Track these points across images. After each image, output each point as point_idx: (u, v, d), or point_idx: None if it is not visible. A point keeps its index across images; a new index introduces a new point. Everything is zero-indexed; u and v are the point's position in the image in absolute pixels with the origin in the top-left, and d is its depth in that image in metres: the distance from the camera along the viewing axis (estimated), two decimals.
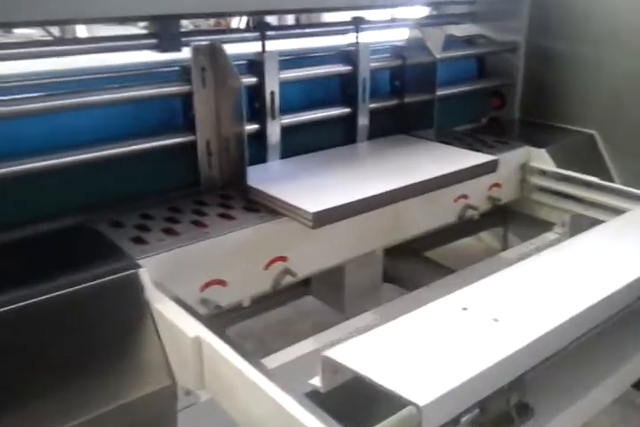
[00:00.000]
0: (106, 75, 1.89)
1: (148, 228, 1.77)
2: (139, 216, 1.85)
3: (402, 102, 2.53)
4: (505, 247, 3.04)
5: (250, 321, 2.43)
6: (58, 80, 1.83)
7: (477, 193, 2.40)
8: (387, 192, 1.89)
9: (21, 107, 1.67)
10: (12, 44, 1.81)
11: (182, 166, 2.02)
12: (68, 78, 1.85)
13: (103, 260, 1.58)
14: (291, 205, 1.78)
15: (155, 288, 1.55)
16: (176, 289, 1.62)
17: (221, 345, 1.32)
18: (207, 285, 1.73)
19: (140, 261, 1.57)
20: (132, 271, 1.53)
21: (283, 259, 1.88)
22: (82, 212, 1.84)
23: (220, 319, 1.88)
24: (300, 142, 2.28)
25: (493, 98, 3.00)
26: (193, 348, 1.37)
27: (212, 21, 7.50)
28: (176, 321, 1.42)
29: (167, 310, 1.47)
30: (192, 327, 1.39)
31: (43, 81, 1.79)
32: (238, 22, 5.83)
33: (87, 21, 2.50)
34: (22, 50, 1.80)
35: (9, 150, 1.71)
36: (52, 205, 1.83)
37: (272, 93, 2.09)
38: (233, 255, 1.77)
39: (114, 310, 1.50)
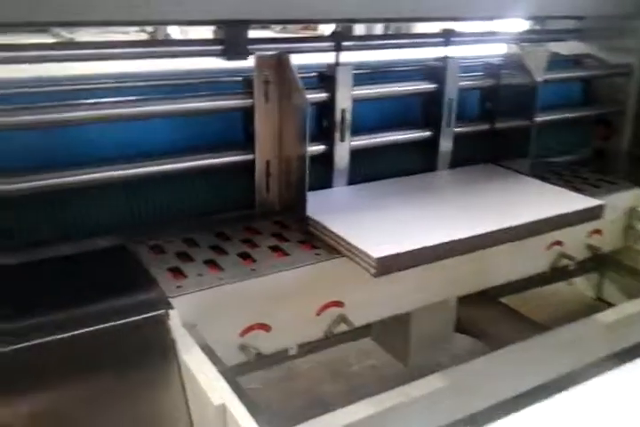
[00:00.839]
0: (162, 82, 1.72)
1: (190, 257, 1.57)
2: (182, 241, 1.66)
3: (492, 128, 2.25)
4: (599, 295, 2.68)
5: (298, 360, 2.21)
6: (111, 85, 1.67)
7: (574, 240, 2.08)
8: (470, 238, 1.61)
9: (64, 115, 1.52)
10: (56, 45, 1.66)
11: (237, 187, 1.82)
12: (123, 84, 1.69)
13: (132, 293, 1.40)
14: (352, 246, 1.54)
15: (185, 333, 1.35)
16: (212, 333, 1.42)
17: (247, 418, 1.10)
18: (248, 329, 1.51)
19: (173, 300, 1.37)
20: (161, 312, 1.33)
21: (338, 304, 1.64)
22: (124, 230, 1.67)
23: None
24: (371, 167, 2.04)
25: (599, 127, 2.65)
26: (217, 416, 1.15)
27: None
28: (202, 381, 1.20)
29: (194, 364, 1.26)
30: (218, 390, 1.17)
31: (89, 86, 1.63)
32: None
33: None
34: (66, 51, 1.65)
35: (49, 160, 1.57)
36: (92, 222, 1.66)
37: (343, 111, 1.86)
38: (281, 297, 1.54)
39: (135, 356, 1.30)
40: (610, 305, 2.56)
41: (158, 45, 1.82)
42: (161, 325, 1.33)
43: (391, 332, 1.98)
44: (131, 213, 1.69)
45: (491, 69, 2.20)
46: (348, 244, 1.55)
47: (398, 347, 2.01)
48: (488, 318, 2.18)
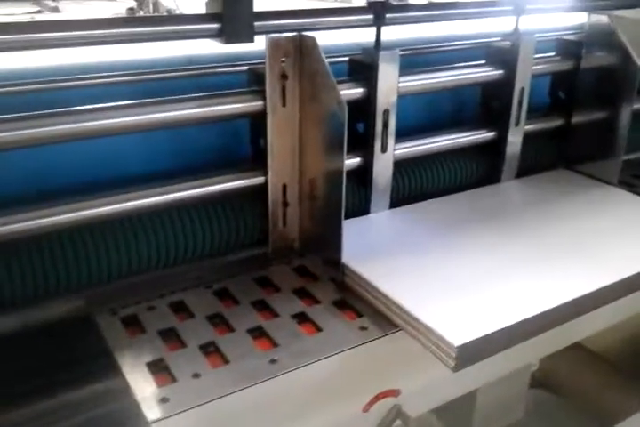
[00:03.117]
0: (131, 77, 1.18)
1: (179, 338, 1.07)
2: (169, 306, 1.16)
3: (566, 123, 1.72)
4: None
5: None
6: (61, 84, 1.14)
7: None
8: (573, 301, 1.11)
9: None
10: None
11: (243, 221, 1.30)
12: (80, 81, 1.16)
13: (91, 418, 0.91)
14: (420, 323, 1.04)
15: None
16: None
17: None
18: None
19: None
20: None
21: (392, 393, 1.15)
22: (85, 292, 1.17)
23: None
24: (417, 181, 1.53)
25: None
26: None
27: None
28: None
29: None
30: None
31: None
32: None
33: None
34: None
35: None
36: (45, 279, 1.14)
37: (386, 113, 1.33)
38: (314, 396, 1.05)
39: None
40: None
41: (128, 25, 1.26)
42: None
43: (451, 403, 1.50)
44: (97, 263, 1.16)
45: (568, 48, 1.66)
46: (414, 319, 1.05)
47: (460, 421, 1.53)
48: (570, 368, 1.71)
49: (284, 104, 1.20)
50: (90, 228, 1.14)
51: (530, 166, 1.70)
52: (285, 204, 1.31)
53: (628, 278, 1.19)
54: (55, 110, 1.04)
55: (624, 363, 1.85)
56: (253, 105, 1.19)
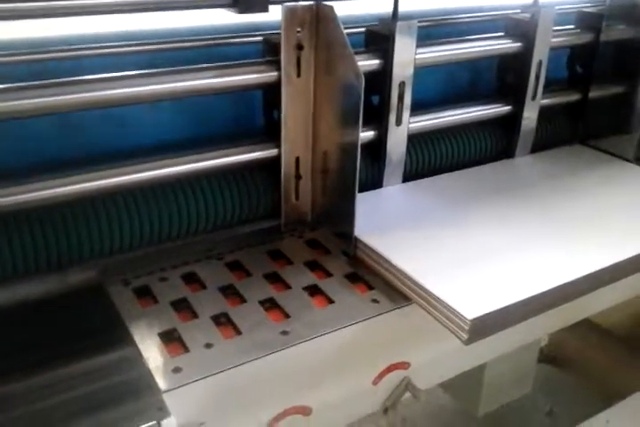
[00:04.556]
0: (143, 47, 1.14)
1: (191, 308, 1.06)
2: (181, 277, 1.15)
3: (584, 98, 1.67)
4: None
5: None
6: (70, 54, 1.10)
7: None
8: (588, 276, 1.08)
9: None
10: None
11: (255, 193, 1.27)
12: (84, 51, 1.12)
13: (106, 388, 0.90)
14: (432, 296, 1.02)
15: None
16: None
17: None
18: (281, 416, 1.02)
19: (169, 397, 0.87)
20: (148, 425, 0.83)
21: (402, 366, 1.14)
22: (103, 258, 1.16)
23: None
24: (430, 156, 1.49)
25: None
26: None
27: None
28: None
29: None
30: None
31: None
32: None
33: None
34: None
35: None
36: (57, 248, 1.12)
37: (402, 85, 1.29)
38: (325, 368, 1.04)
39: None
40: None
41: None
42: None
43: (460, 376, 1.49)
44: (110, 233, 1.14)
45: (588, 21, 1.59)
46: (426, 292, 1.03)
47: (468, 394, 1.52)
48: (578, 343, 1.69)
49: (298, 75, 1.16)
50: (102, 198, 1.12)
51: (545, 141, 1.65)
52: (298, 177, 1.28)
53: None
54: (66, 79, 1.01)
55: (633, 339, 1.83)
56: (268, 76, 1.15)
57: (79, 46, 1.10)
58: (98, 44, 1.11)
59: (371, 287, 1.13)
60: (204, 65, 1.12)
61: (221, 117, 1.28)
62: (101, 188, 1.10)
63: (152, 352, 0.96)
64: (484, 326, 0.97)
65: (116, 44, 1.14)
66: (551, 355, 1.66)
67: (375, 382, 1.11)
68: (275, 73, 1.15)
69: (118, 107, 1.08)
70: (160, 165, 1.14)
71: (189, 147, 1.20)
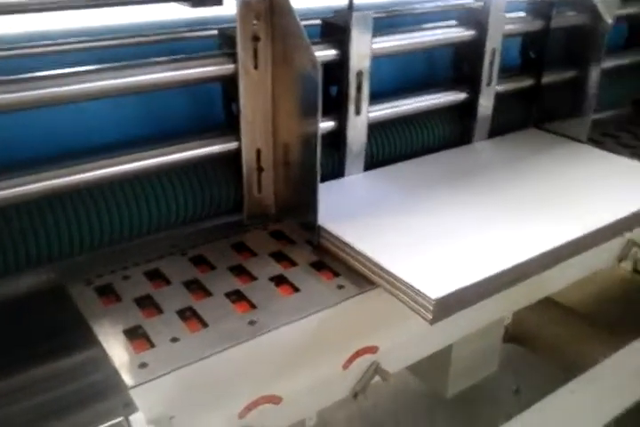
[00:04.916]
0: (96, 43, 1.12)
1: (156, 304, 1.05)
2: (144, 274, 1.13)
3: (537, 83, 1.70)
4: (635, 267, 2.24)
5: None
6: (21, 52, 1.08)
7: None
8: (547, 253, 1.11)
9: None
10: None
11: (217, 187, 1.26)
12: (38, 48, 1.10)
13: (69, 387, 0.89)
14: (397, 279, 1.03)
15: None
16: (198, 422, 0.94)
17: None
18: (251, 406, 1.03)
19: (137, 392, 0.87)
20: (115, 422, 0.82)
21: (371, 350, 1.15)
22: (60, 263, 1.14)
23: None
24: (390, 144, 1.50)
25: None
26: None
27: None
28: None
29: None
30: None
31: None
32: None
33: None
34: None
35: None
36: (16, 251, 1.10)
37: (359, 74, 1.30)
38: (294, 356, 1.05)
39: None
40: None
41: None
42: None
43: (427, 359, 1.51)
44: (69, 233, 1.11)
45: (539, 8, 1.62)
46: (390, 275, 1.04)
47: (435, 375, 1.55)
48: (536, 321, 1.73)
49: (255, 67, 1.15)
50: (59, 198, 1.10)
51: (501, 127, 1.68)
52: (260, 169, 1.28)
53: (598, 230, 1.19)
54: (16, 76, 0.98)
55: (593, 316, 1.89)
56: (224, 68, 1.14)
57: (27, 44, 1.08)
58: (46, 42, 1.09)
59: (336, 274, 1.13)
60: (160, 58, 1.11)
61: (181, 113, 1.27)
62: (58, 186, 1.07)
63: (117, 350, 0.94)
64: (448, 306, 0.99)
65: (66, 41, 1.11)
66: (515, 334, 1.70)
67: (345, 367, 1.12)
68: (232, 65, 1.14)
69: (73, 103, 1.06)
70: (119, 161, 1.12)
71: (148, 143, 1.18)
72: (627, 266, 2.21)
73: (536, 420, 1.18)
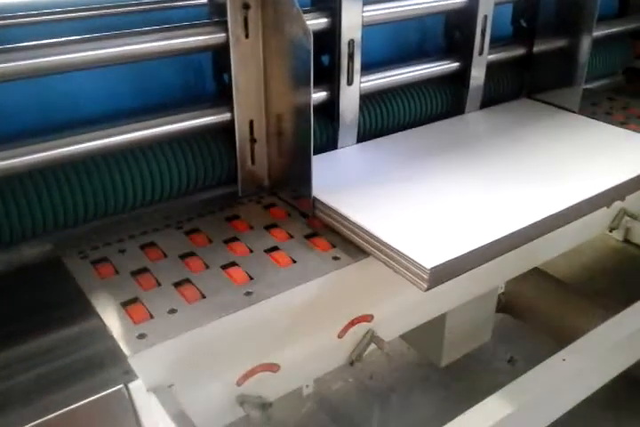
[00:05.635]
0: (81, 13, 1.09)
1: (153, 276, 1.04)
2: (140, 248, 1.12)
3: (529, 52, 1.68)
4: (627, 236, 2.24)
5: None
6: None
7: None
8: (539, 222, 1.11)
9: None
10: None
11: (210, 159, 1.24)
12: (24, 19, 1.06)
13: (70, 358, 0.88)
14: (392, 249, 1.03)
15: (154, 402, 0.86)
16: (196, 390, 0.95)
17: None
18: (249, 374, 1.03)
19: (135, 360, 0.86)
20: (116, 389, 0.82)
21: (366, 319, 1.16)
22: (54, 236, 1.13)
23: None
24: (383, 115, 1.48)
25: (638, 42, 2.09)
26: None
27: None
28: None
29: None
30: None
31: None
32: None
33: None
34: None
35: None
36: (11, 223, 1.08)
37: (351, 43, 1.27)
38: (291, 325, 1.05)
39: None
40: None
41: None
42: (117, 404, 0.83)
43: (421, 329, 1.52)
44: (63, 205, 1.10)
45: None
46: (386, 245, 1.03)
47: (430, 344, 1.56)
48: (528, 291, 1.74)
49: (247, 36, 1.13)
50: (53, 170, 1.08)
51: (493, 97, 1.66)
52: (253, 140, 1.26)
53: (591, 198, 1.19)
54: (2, 46, 0.95)
55: (584, 286, 1.91)
56: (215, 37, 1.12)
57: (13, 14, 1.05)
58: (32, 12, 1.05)
59: (332, 246, 1.13)
60: (149, 28, 1.08)
61: (172, 83, 1.24)
62: (51, 159, 1.06)
63: (115, 321, 0.94)
64: (443, 274, 0.99)
65: (53, 10, 1.08)
66: (507, 305, 1.71)
67: (341, 336, 1.13)
68: (222, 34, 1.11)
69: (61, 74, 1.03)
70: (112, 132, 1.11)
71: (139, 115, 1.16)
72: (618, 236, 2.24)
73: (529, 387, 1.19)
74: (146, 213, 1.23)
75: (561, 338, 1.63)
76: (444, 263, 0.97)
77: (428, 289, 0.98)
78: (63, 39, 1.01)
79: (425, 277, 0.97)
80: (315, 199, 1.19)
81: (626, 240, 2.24)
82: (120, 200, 1.16)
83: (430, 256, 0.98)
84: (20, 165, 1.03)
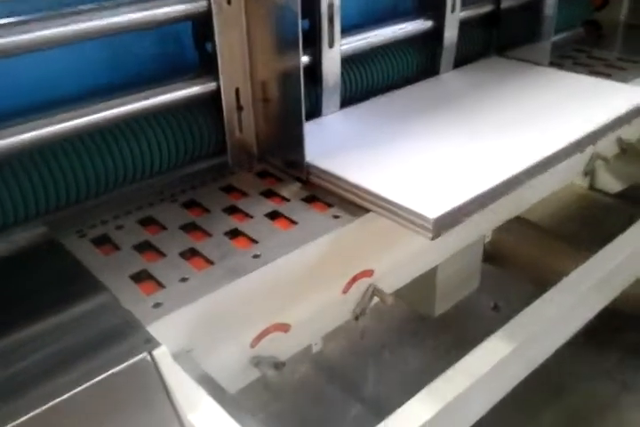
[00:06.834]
0: None
1: (157, 249, 1.03)
2: (139, 222, 1.10)
3: (497, 8, 1.67)
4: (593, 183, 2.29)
5: None
6: None
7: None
8: (530, 168, 1.13)
9: None
10: None
11: (197, 130, 1.21)
12: None
13: (88, 332, 0.87)
14: (394, 204, 1.03)
15: (178, 369, 0.86)
16: (214, 353, 0.95)
17: None
18: (262, 335, 1.04)
19: (155, 328, 0.86)
20: (140, 358, 0.82)
21: (367, 274, 1.17)
22: (48, 217, 1.09)
23: None
24: (362, 78, 1.47)
25: None
26: None
27: None
28: None
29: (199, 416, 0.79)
30: None
31: None
32: None
33: None
34: None
35: None
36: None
37: (331, 6, 1.25)
38: (299, 283, 1.05)
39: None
40: (607, 194, 2.22)
41: None
42: (143, 372, 0.82)
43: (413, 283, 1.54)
44: (54, 185, 1.06)
45: None
46: (387, 201, 1.04)
47: (422, 298, 1.58)
48: (510, 240, 1.77)
49: (229, 2, 1.09)
50: (39, 149, 1.04)
51: (464, 56, 1.66)
52: (240, 108, 1.23)
53: (571, 143, 1.21)
54: None
55: (563, 230, 1.95)
56: (197, 5, 1.08)
57: None
58: None
59: (329, 204, 1.13)
60: None
61: (151, 56, 1.19)
62: (37, 138, 1.01)
63: (127, 294, 0.92)
64: (445, 223, 1.00)
65: None
66: (492, 254, 1.74)
67: (344, 292, 1.14)
68: (204, 2, 1.07)
69: (32, 52, 0.98)
70: (97, 109, 1.06)
71: (120, 90, 1.12)
72: (584, 183, 2.29)
73: (525, 327, 1.23)
74: (138, 187, 1.20)
75: (544, 282, 1.67)
76: (446, 213, 0.99)
77: (433, 238, 0.99)
78: (34, 16, 0.95)
79: (430, 227, 0.98)
80: (308, 164, 1.17)
81: (591, 187, 2.30)
82: (111, 176, 1.12)
83: (432, 207, 0.99)
84: (7, 145, 0.99)
